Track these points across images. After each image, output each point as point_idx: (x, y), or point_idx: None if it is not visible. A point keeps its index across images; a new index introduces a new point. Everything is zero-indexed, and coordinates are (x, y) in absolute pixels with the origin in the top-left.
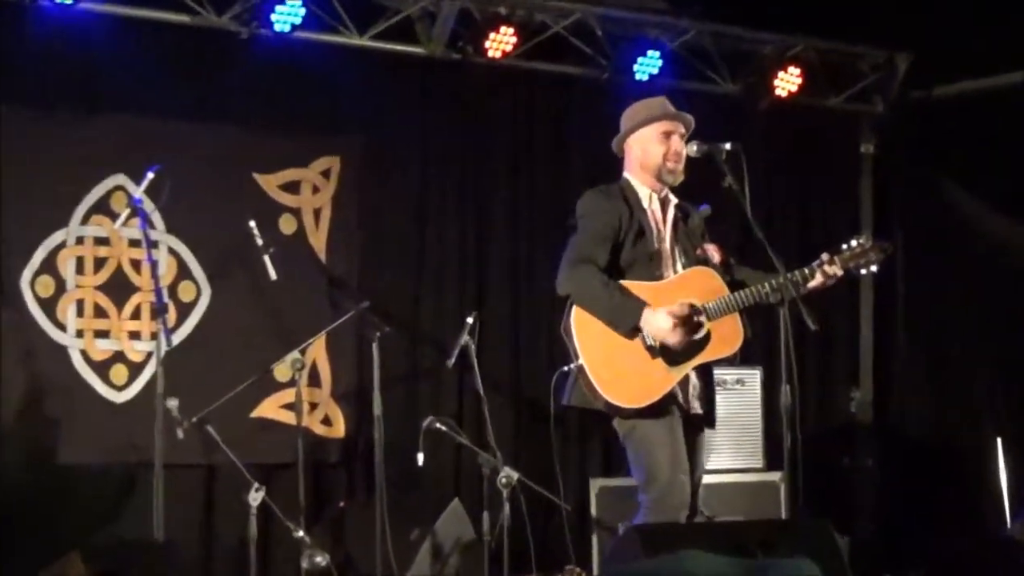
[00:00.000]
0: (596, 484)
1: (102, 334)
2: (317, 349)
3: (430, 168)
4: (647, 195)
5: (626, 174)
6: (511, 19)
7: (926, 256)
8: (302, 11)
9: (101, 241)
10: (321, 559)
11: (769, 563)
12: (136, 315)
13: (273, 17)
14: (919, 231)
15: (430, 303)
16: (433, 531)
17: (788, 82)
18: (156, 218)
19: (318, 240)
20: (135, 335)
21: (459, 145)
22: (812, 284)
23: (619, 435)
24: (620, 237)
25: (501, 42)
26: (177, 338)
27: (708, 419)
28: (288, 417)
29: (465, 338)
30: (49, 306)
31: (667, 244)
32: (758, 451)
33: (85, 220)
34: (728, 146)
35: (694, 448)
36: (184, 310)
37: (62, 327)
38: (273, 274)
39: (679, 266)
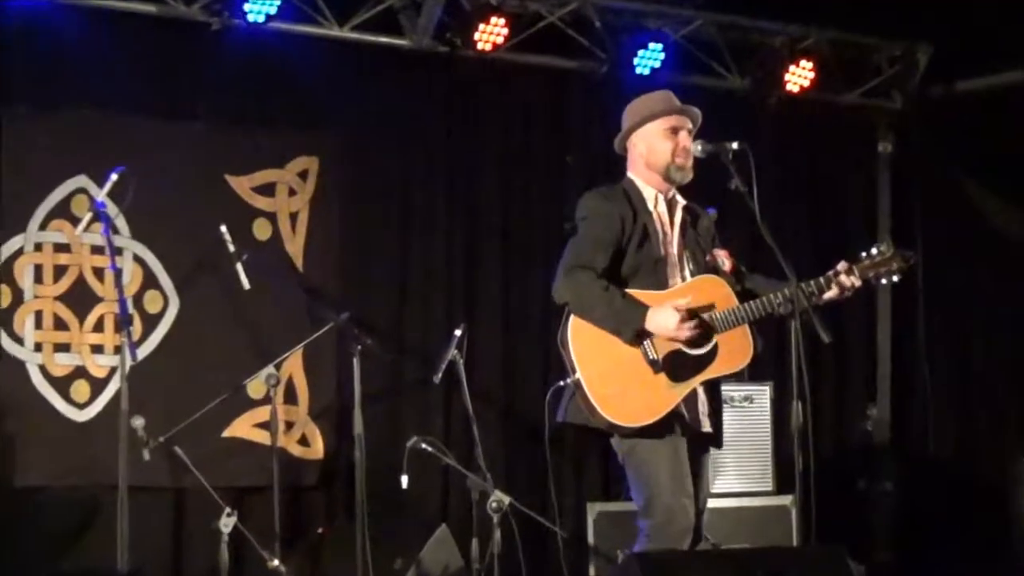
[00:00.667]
0: (594, 509)
1: (62, 348)
2: (293, 364)
3: (415, 169)
4: (653, 196)
5: (629, 174)
6: (502, 9)
7: (949, 263)
8: (277, 0)
9: (61, 248)
10: None
11: None
12: (99, 327)
13: (246, 7)
14: (941, 236)
15: (415, 314)
16: (418, 560)
17: (800, 76)
18: (120, 223)
19: (295, 246)
20: (98, 349)
21: (447, 145)
22: (828, 295)
23: (618, 455)
24: (623, 242)
25: (491, 34)
26: (143, 352)
27: (716, 439)
28: (262, 437)
29: (453, 352)
30: (5, 317)
31: (674, 249)
32: (768, 473)
33: (44, 225)
34: (735, 145)
35: (699, 470)
36: (150, 322)
37: (19, 340)
38: (246, 283)
39: (687, 273)
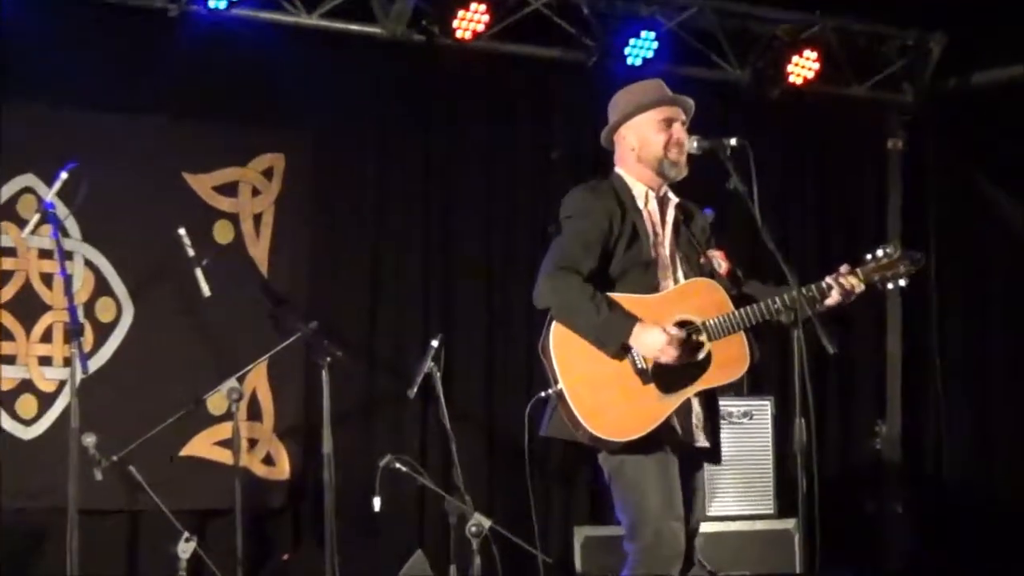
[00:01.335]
0: (581, 533)
1: (7, 360)
2: (257, 377)
3: (390, 168)
4: (643, 193)
5: (618, 169)
6: None
7: (964, 268)
8: None
9: (6, 252)
10: None
11: None
12: (47, 338)
13: None
14: (955, 238)
15: (389, 323)
16: None
17: (804, 68)
18: (71, 225)
19: (259, 250)
20: (46, 361)
21: (424, 140)
22: (830, 301)
23: (604, 473)
24: (611, 243)
25: (472, 21)
26: (94, 364)
27: (713, 454)
28: (224, 456)
29: (429, 364)
30: None
31: (666, 250)
32: (769, 495)
33: None
34: (734, 141)
35: (692, 489)
36: (103, 332)
37: None
38: (206, 290)
39: (680, 275)
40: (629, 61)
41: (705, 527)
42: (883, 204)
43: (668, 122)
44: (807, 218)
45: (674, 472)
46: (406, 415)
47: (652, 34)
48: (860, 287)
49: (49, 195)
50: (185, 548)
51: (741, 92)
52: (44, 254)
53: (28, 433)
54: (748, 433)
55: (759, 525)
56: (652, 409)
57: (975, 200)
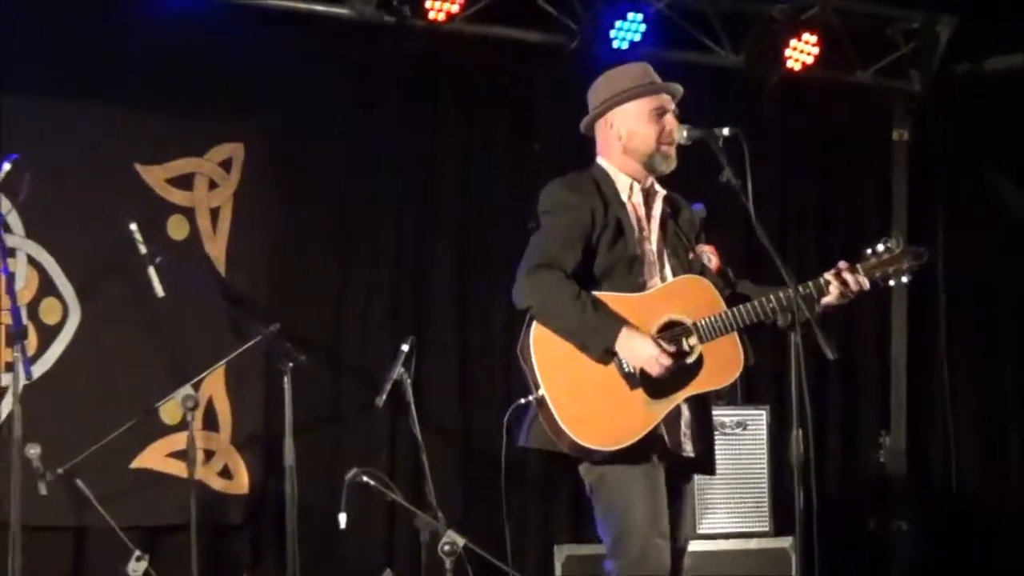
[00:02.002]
0: (562, 552)
1: None
2: (214, 384)
3: (358, 159)
4: (627, 185)
5: (600, 159)
6: None
7: (973, 266)
8: None
9: None
10: None
11: None
12: None
13: None
14: (964, 234)
15: (356, 326)
16: None
17: (802, 52)
18: (13, 220)
19: (216, 247)
20: None
21: (394, 129)
22: (828, 299)
23: (586, 485)
24: (593, 238)
25: (446, 1)
26: (38, 369)
27: (705, 464)
28: (178, 468)
29: (399, 370)
30: None
31: (653, 246)
32: (764, 511)
33: None
34: (727, 131)
35: (680, 502)
36: (47, 334)
37: None
38: (159, 290)
39: (667, 272)
40: (615, 45)
41: (695, 545)
42: (888, 200)
43: (660, 112)
44: (806, 215)
45: (660, 484)
46: (374, 425)
47: (639, 16)
48: (862, 284)
49: None
50: (136, 567)
51: (735, 78)
52: None
53: None
54: (742, 445)
55: (753, 544)
56: (639, 416)
57: (986, 195)
